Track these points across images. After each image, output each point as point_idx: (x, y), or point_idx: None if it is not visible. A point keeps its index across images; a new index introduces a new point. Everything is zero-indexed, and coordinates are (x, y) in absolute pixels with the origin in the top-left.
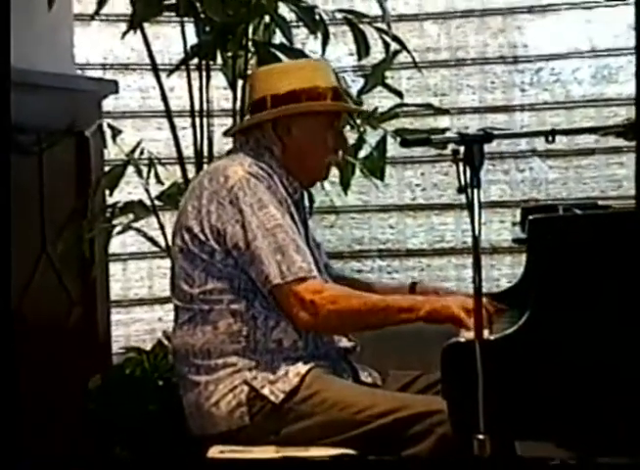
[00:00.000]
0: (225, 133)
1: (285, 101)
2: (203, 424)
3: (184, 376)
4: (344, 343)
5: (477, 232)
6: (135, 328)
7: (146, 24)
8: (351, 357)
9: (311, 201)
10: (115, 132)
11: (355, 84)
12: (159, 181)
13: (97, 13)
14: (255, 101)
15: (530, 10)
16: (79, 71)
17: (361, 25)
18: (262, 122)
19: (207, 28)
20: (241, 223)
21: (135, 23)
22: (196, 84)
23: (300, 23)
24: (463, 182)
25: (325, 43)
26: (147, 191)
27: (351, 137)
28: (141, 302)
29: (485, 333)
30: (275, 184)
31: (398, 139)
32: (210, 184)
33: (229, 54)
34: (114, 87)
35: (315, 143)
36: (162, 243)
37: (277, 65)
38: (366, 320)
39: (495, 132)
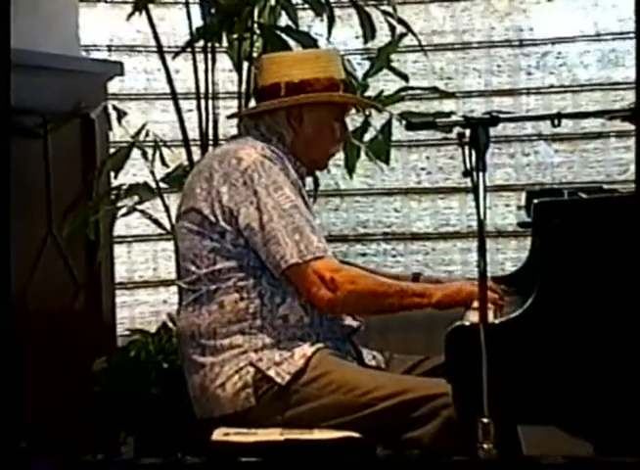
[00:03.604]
0: (233, 116)
1: (300, 89)
2: (208, 406)
3: (189, 358)
4: (350, 321)
5: (482, 216)
6: (140, 310)
7: (151, 6)
8: (356, 339)
9: (316, 184)
10: (121, 114)
11: (361, 67)
12: (164, 163)
13: None
14: (267, 86)
15: None
16: (85, 53)
17: (367, 8)
18: (276, 108)
19: (213, 10)
20: (255, 205)
21: (140, 4)
22: (201, 67)
23: (306, 6)
24: (468, 166)
25: (331, 26)
26: (152, 173)
27: (357, 120)
28: (146, 284)
29: (490, 316)
30: (287, 167)
31: (404, 122)
32: (221, 166)
33: (234, 36)
34: (119, 69)
35: (324, 133)
36: (167, 225)
37: (290, 52)
38: (382, 302)
39: (501, 116)
